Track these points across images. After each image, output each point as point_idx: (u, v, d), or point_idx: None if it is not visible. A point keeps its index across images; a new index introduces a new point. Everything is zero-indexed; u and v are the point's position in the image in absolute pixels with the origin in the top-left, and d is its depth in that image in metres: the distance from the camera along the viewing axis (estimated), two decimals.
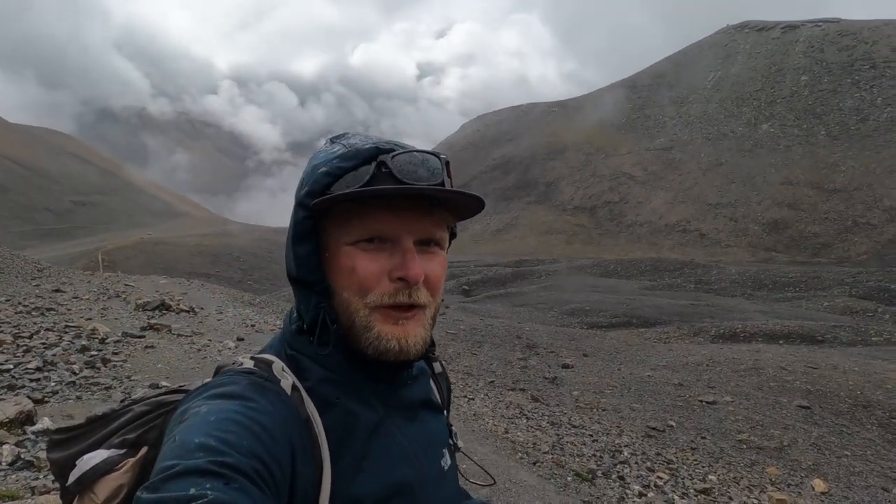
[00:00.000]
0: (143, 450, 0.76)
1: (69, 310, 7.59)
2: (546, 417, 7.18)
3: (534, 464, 5.20)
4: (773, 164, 55.27)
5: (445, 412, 0.92)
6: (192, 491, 0.52)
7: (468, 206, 0.74)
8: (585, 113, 78.97)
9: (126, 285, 11.64)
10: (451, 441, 0.88)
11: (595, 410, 8.39)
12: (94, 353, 5.21)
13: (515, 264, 39.44)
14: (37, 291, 9.13)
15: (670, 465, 6.09)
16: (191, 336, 6.99)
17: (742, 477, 6.20)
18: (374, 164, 0.70)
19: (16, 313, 6.71)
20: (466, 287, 30.17)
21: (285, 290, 34.83)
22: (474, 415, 6.60)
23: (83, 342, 5.47)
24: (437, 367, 0.92)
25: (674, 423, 7.93)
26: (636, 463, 5.91)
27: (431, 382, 0.90)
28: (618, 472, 5.48)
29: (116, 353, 5.32)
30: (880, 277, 26.10)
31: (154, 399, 0.82)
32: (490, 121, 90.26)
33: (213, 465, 0.55)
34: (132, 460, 0.75)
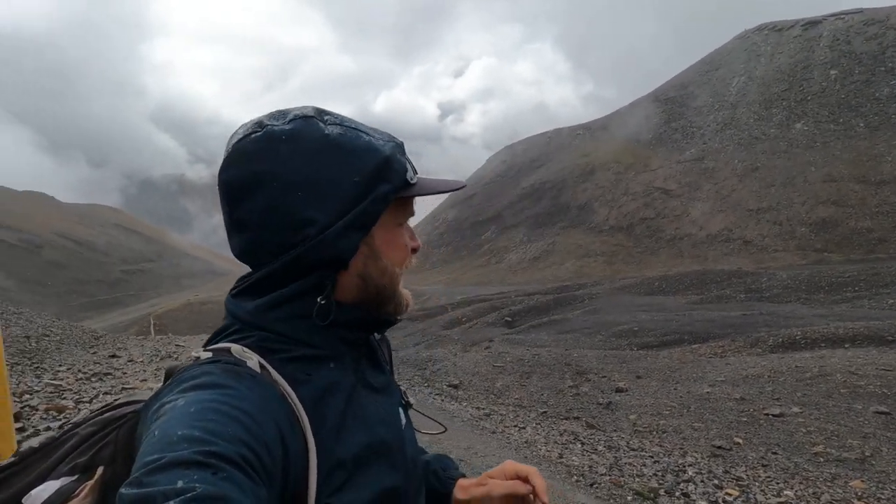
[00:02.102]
0: (100, 470, 0.70)
1: (125, 373, 7.84)
2: (602, 442, 6.93)
3: (591, 485, 5.01)
4: (811, 163, 53.54)
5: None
6: (180, 484, 0.49)
7: None
8: (611, 132, 78.68)
9: (177, 346, 11.98)
10: (402, 400, 0.91)
11: (655, 433, 8.05)
12: None
13: (556, 291, 38.87)
14: (94, 358, 9.48)
15: (740, 483, 5.74)
16: None
17: (822, 492, 5.79)
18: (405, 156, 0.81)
19: (76, 380, 6.97)
20: (509, 318, 29.79)
21: None
22: (526, 442, 6.43)
23: None
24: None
25: (740, 440, 7.52)
26: (702, 481, 5.60)
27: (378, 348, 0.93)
28: (682, 489, 5.20)
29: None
30: None
31: (100, 418, 0.76)
32: (517, 150, 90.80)
33: (200, 456, 0.52)
34: (90, 483, 0.69)
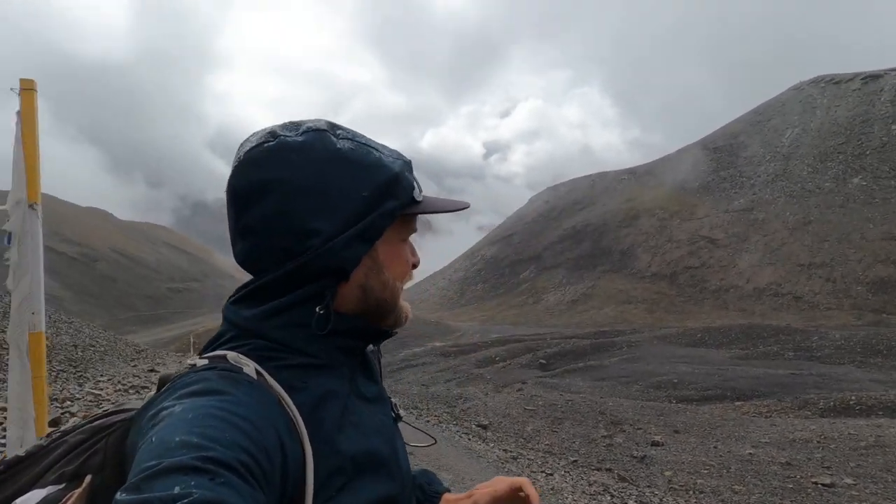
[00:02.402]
0: (88, 478, 0.69)
1: None
2: (634, 497, 6.61)
3: None
4: (869, 219, 51.38)
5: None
6: (177, 489, 0.49)
7: None
8: (657, 178, 77.84)
9: None
10: (393, 412, 0.91)
11: (691, 492, 7.64)
12: None
13: (594, 335, 38.01)
14: (134, 371, 9.74)
15: None
16: None
17: None
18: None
19: (115, 391, 7.16)
20: (543, 361, 29.19)
21: None
22: (552, 489, 6.19)
23: None
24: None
25: None
26: None
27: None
28: None
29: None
30: None
31: (89, 426, 0.75)
32: (560, 191, 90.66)
33: (197, 461, 0.52)
34: (77, 491, 0.67)
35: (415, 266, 0.87)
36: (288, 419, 0.66)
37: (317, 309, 0.74)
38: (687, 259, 60.48)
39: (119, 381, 8.02)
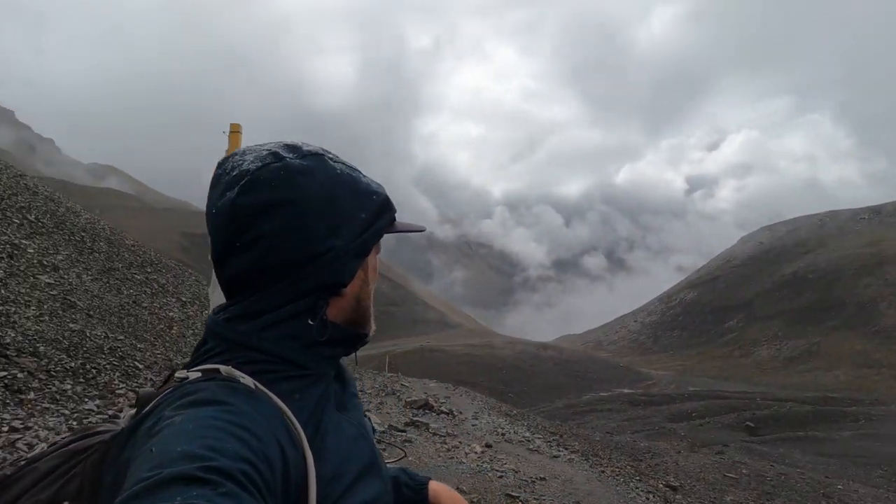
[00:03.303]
0: None
1: None
2: None
3: None
4: None
5: None
6: (178, 500, 0.48)
7: None
8: None
9: (402, 385, 13.02)
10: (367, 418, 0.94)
11: None
12: None
13: (818, 401, 32.23)
14: None
15: None
16: (444, 437, 7.30)
17: None
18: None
19: None
20: (751, 423, 25.58)
21: (543, 406, 34.40)
22: None
23: None
24: None
25: None
26: None
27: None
28: None
29: (378, 442, 5.80)
30: None
31: (63, 450, 0.73)
32: (779, 232, 79.92)
33: (200, 472, 0.51)
34: None
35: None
36: (288, 428, 0.68)
37: (308, 321, 0.77)
38: None
39: None
